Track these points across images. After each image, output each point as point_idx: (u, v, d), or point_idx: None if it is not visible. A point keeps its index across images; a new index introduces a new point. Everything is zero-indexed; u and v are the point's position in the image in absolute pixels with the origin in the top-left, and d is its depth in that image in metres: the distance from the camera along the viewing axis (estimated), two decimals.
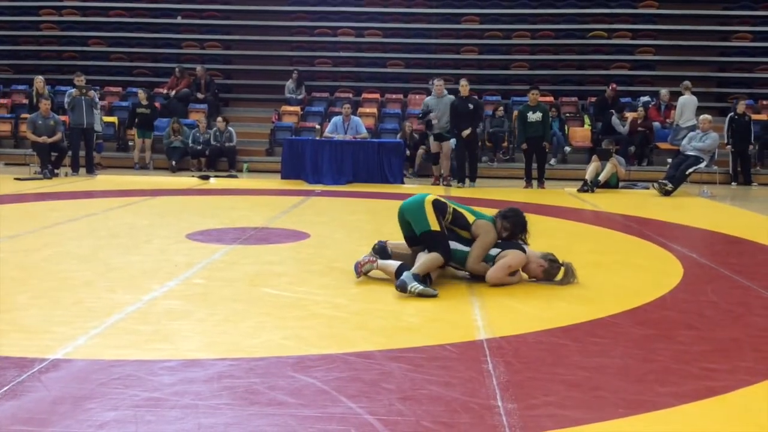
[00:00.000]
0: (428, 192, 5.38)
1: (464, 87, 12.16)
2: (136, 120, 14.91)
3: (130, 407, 2.80)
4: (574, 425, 2.74)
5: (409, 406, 2.87)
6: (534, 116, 12.14)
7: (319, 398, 2.93)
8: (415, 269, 4.67)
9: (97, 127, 14.00)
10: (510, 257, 4.93)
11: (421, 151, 14.05)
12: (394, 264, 4.91)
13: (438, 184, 12.49)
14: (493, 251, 4.97)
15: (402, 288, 4.55)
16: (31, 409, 2.77)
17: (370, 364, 3.34)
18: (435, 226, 4.86)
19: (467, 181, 12.45)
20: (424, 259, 4.77)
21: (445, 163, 12.57)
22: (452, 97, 12.42)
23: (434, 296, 4.54)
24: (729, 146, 13.80)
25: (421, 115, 12.42)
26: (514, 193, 11.37)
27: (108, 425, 2.64)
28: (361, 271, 5.00)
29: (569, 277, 5.04)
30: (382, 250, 5.18)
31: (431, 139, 12.50)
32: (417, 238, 4.97)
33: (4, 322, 3.87)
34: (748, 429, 2.85)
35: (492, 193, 11.22)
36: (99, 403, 2.83)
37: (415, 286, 4.53)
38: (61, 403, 2.82)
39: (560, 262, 5.09)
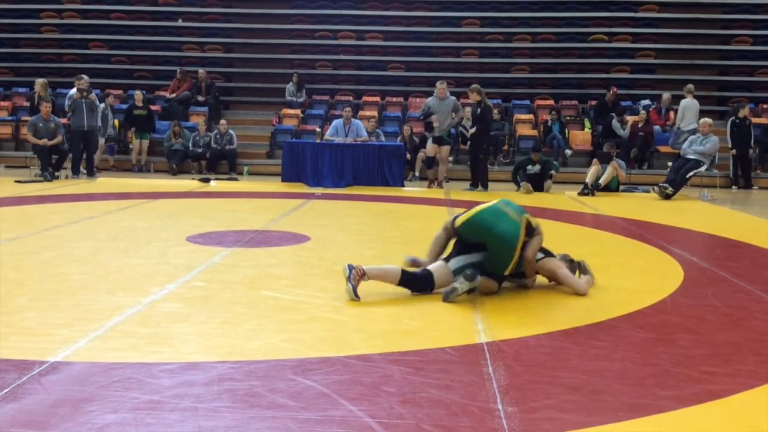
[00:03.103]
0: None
1: (470, 94, 12.18)
2: (133, 122, 14.97)
3: (130, 410, 2.80)
4: (574, 428, 2.73)
5: (409, 409, 2.87)
6: (534, 168, 12.17)
7: (319, 401, 2.93)
8: (474, 282, 4.58)
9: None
10: (564, 269, 4.94)
11: (421, 154, 14.07)
12: (391, 269, 4.73)
13: (431, 187, 12.50)
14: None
15: (472, 278, 4.51)
16: (30, 412, 2.77)
17: (370, 367, 3.33)
18: (508, 272, 4.74)
19: (468, 186, 12.47)
20: (486, 281, 4.68)
21: (441, 167, 12.58)
22: (454, 98, 12.44)
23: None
24: (734, 150, 13.81)
25: (422, 116, 12.41)
26: (515, 196, 11.37)
27: (108, 428, 2.64)
28: (357, 286, 4.53)
29: (589, 276, 5.07)
30: (414, 264, 5.07)
31: (429, 141, 12.49)
32: (478, 246, 4.77)
33: (4, 325, 3.86)
34: None
35: (494, 196, 11.22)
36: (99, 406, 2.82)
37: (465, 287, 4.51)
38: (61, 406, 2.82)
39: (575, 261, 5.14)
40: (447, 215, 8.87)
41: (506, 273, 4.74)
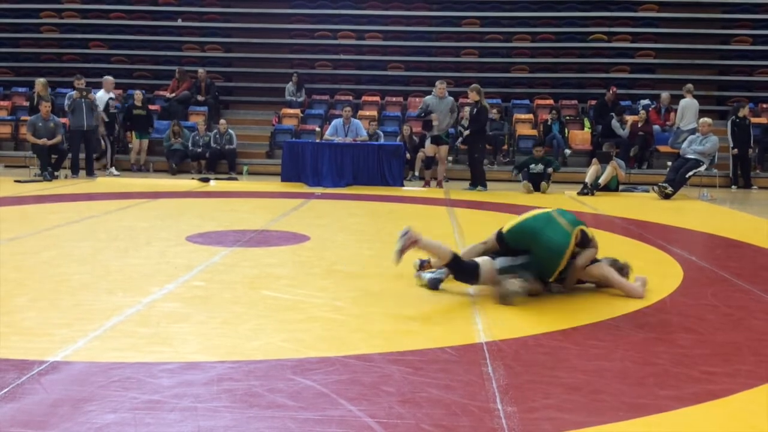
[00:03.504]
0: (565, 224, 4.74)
1: (470, 93, 12.22)
2: (133, 122, 14.98)
3: (130, 410, 2.80)
4: (574, 428, 2.73)
5: (408, 409, 2.87)
6: (537, 168, 12.17)
7: (319, 401, 2.93)
8: (515, 284, 4.49)
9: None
10: (616, 274, 4.88)
11: (421, 154, 14.08)
12: (444, 247, 4.62)
13: (427, 188, 12.50)
14: None
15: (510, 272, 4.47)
16: (30, 411, 2.77)
17: (370, 367, 3.33)
18: (554, 278, 4.70)
19: (468, 185, 12.47)
20: (527, 285, 4.59)
21: (440, 167, 12.58)
22: (452, 98, 12.46)
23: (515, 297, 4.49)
24: (735, 150, 13.81)
25: (422, 114, 12.39)
26: (516, 196, 11.37)
27: (107, 427, 2.64)
28: (403, 251, 4.52)
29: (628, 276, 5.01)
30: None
31: (428, 141, 12.49)
32: (515, 251, 4.73)
33: (4, 325, 3.86)
34: None
35: (494, 196, 11.23)
36: (98, 406, 2.82)
37: (513, 284, 4.45)
38: (61, 406, 2.82)
39: (619, 263, 5.04)
40: (447, 215, 8.89)
41: (551, 279, 4.70)
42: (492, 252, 4.84)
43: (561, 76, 18.00)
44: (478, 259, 4.70)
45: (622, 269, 4.99)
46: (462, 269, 4.63)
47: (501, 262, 4.68)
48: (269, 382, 3.11)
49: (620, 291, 4.84)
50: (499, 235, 4.84)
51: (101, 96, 13.95)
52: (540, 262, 4.63)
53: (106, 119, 13.84)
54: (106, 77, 14.41)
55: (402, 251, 4.48)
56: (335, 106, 16.98)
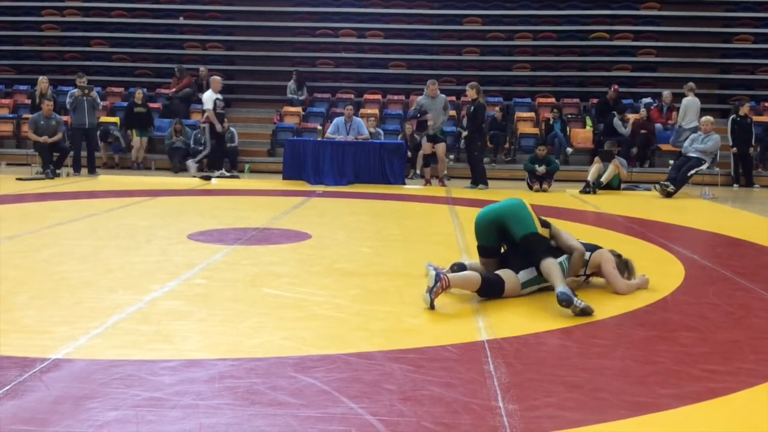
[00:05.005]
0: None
1: (468, 90, 12.22)
2: (133, 119, 14.96)
3: (131, 407, 2.80)
4: (575, 426, 2.73)
5: (410, 407, 2.87)
6: (540, 169, 12.16)
7: (320, 399, 2.93)
8: (562, 287, 4.29)
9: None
10: (611, 265, 4.83)
11: (422, 152, 14.04)
12: (472, 275, 4.61)
13: (427, 186, 12.50)
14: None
15: (568, 302, 4.21)
16: (32, 409, 2.78)
17: (371, 365, 3.34)
18: (540, 228, 4.61)
19: (469, 183, 12.45)
20: (556, 273, 4.42)
21: (440, 165, 12.59)
22: (444, 96, 12.48)
23: (592, 314, 4.24)
24: (734, 149, 13.79)
25: (418, 115, 12.39)
26: (517, 194, 11.35)
27: (109, 425, 2.64)
28: (435, 298, 4.35)
29: (644, 279, 5.00)
30: (462, 268, 4.98)
31: (424, 140, 12.51)
32: (495, 248, 4.76)
33: (5, 322, 3.87)
34: (749, 431, 2.85)
35: (495, 194, 11.22)
36: (100, 403, 2.83)
37: (579, 303, 4.23)
38: (62, 403, 2.83)
39: (623, 258, 5.02)
40: (448, 213, 8.89)
41: (539, 231, 4.60)
42: (494, 265, 4.80)
43: (563, 74, 17.98)
44: (501, 273, 4.64)
45: (627, 263, 4.97)
46: (490, 287, 4.56)
47: (524, 275, 4.64)
48: (270, 380, 3.12)
49: (608, 282, 4.86)
50: (479, 249, 4.86)
51: (209, 96, 13.26)
52: (514, 221, 4.64)
53: (220, 125, 13.32)
54: (214, 77, 13.90)
55: (433, 302, 4.32)
56: (337, 105, 16.97)
